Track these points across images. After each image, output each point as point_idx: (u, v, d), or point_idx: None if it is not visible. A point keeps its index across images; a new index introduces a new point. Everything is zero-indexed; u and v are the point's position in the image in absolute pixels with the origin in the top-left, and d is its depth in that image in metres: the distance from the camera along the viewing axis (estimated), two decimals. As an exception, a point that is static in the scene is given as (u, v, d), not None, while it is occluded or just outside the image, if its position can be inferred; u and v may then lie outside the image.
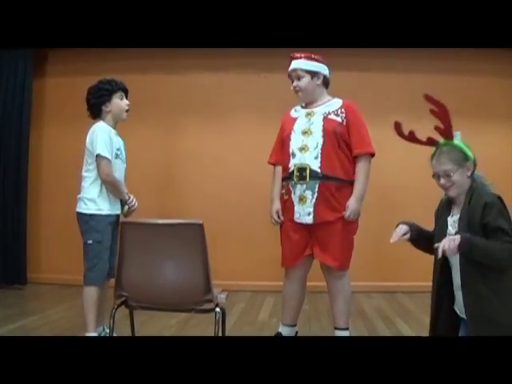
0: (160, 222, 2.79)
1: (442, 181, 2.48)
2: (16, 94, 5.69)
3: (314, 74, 3.50)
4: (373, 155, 3.51)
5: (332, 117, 3.44)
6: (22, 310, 4.66)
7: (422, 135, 5.87)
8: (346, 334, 3.48)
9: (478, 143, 5.71)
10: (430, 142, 2.63)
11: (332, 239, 3.38)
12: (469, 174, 2.49)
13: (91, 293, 3.34)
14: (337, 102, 3.52)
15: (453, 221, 2.47)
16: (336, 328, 3.51)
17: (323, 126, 3.41)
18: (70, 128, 5.70)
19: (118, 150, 3.49)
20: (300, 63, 3.49)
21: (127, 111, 3.58)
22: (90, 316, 3.33)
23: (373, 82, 5.73)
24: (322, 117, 3.44)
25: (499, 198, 2.40)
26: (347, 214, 3.37)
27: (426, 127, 6.07)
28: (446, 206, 2.57)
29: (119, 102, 3.52)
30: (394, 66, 5.69)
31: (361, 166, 3.44)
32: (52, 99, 6.03)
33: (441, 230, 2.49)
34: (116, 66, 5.34)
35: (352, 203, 3.38)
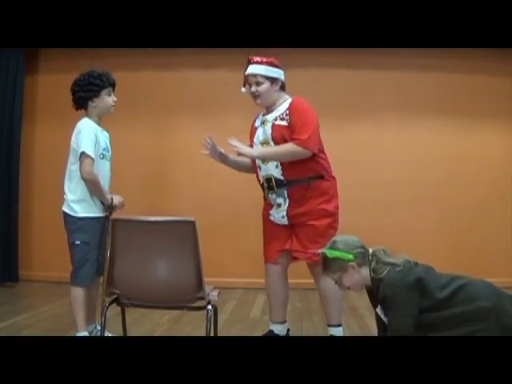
0: (152, 219, 2.79)
1: (341, 287, 2.61)
2: (8, 91, 5.67)
3: (273, 80, 3.43)
4: (307, 148, 3.32)
5: (278, 122, 3.40)
6: (14, 308, 4.65)
7: (413, 132, 5.93)
8: (339, 330, 3.47)
9: (471, 141, 5.81)
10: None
11: (310, 236, 3.36)
12: (359, 269, 2.52)
13: (79, 293, 3.30)
14: (285, 104, 3.45)
15: (380, 310, 2.51)
16: (329, 325, 3.50)
17: (271, 134, 3.40)
18: (61, 125, 5.65)
19: (104, 149, 3.43)
20: (260, 69, 3.41)
21: (113, 106, 3.51)
22: (79, 316, 3.30)
23: (363, 80, 5.73)
24: (271, 124, 3.43)
25: (400, 271, 2.42)
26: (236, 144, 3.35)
27: (417, 125, 6.14)
28: (370, 299, 2.63)
29: (107, 99, 3.44)
30: (385, 64, 5.70)
31: (285, 144, 3.34)
32: (44, 96, 6.01)
33: (379, 321, 2.54)
34: (108, 62, 5.29)
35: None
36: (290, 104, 3.43)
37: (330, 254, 2.53)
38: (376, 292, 2.48)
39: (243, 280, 5.66)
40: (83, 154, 3.28)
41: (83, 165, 3.29)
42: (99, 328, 3.32)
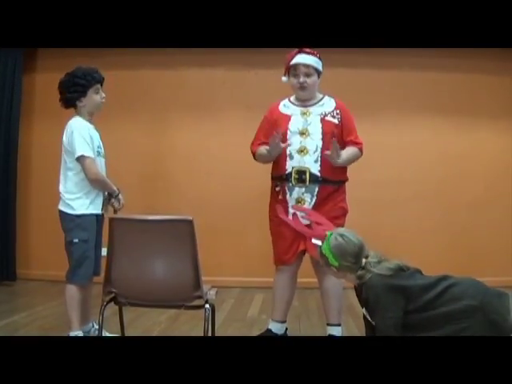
0: (150, 218, 2.79)
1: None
2: (5, 89, 5.64)
3: (319, 74, 3.48)
4: (362, 153, 3.52)
5: (329, 118, 3.42)
6: (12, 307, 4.64)
7: (412, 131, 5.92)
8: (338, 330, 3.48)
9: (470, 140, 5.81)
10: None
11: None
12: (342, 273, 2.59)
13: (75, 292, 3.30)
14: (330, 102, 3.50)
15: (365, 311, 2.56)
16: (328, 324, 3.51)
17: (322, 128, 3.39)
18: (59, 123, 5.63)
19: (98, 147, 3.43)
20: (313, 60, 3.43)
21: (102, 102, 3.48)
22: (74, 315, 3.28)
23: (363, 78, 5.73)
24: (319, 118, 3.42)
25: (385, 276, 2.46)
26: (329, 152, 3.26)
27: (416, 124, 6.14)
28: (358, 299, 2.65)
29: (94, 97, 3.41)
30: (385, 64, 5.69)
31: (350, 147, 3.42)
32: (42, 95, 5.99)
33: (366, 321, 2.59)
34: (106, 61, 5.29)
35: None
36: (338, 104, 3.49)
37: (323, 249, 2.58)
38: (361, 295, 2.54)
39: (241, 279, 5.65)
40: (82, 156, 3.27)
41: (87, 167, 3.29)
42: (97, 327, 3.31)
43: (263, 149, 3.50)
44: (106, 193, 3.46)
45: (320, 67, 3.47)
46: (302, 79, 3.42)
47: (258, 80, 5.74)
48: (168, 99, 5.90)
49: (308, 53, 3.44)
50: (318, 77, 3.48)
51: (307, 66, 3.42)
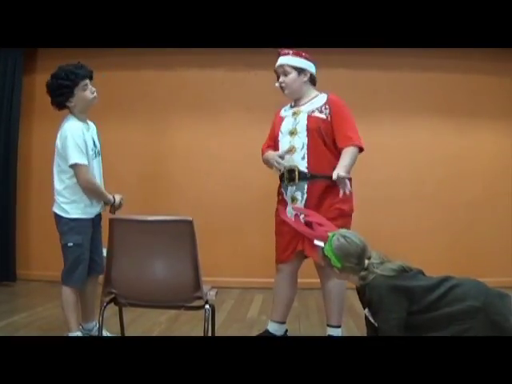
0: (150, 218, 2.79)
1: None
2: (5, 90, 5.65)
3: (300, 71, 3.45)
4: (360, 149, 3.40)
5: (316, 114, 3.39)
6: (12, 307, 4.64)
7: (411, 131, 5.90)
8: (338, 331, 3.47)
9: (468, 140, 5.81)
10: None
11: None
12: (344, 274, 2.59)
13: (70, 294, 3.28)
14: (322, 98, 3.47)
15: (368, 312, 2.56)
16: (328, 325, 3.49)
17: (307, 125, 3.38)
18: (59, 124, 5.66)
19: (92, 149, 3.34)
20: (287, 59, 3.45)
21: (95, 96, 3.35)
22: (70, 316, 3.28)
23: (362, 79, 5.73)
24: (306, 115, 3.41)
25: (388, 277, 2.45)
26: (334, 175, 3.19)
27: (414, 124, 6.13)
28: (360, 298, 2.65)
29: (83, 94, 3.29)
30: (383, 64, 5.69)
31: (345, 150, 3.33)
32: (42, 95, 5.95)
33: (368, 322, 2.59)
34: (106, 61, 5.32)
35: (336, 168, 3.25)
36: (328, 99, 3.45)
37: (326, 250, 2.57)
38: (364, 296, 2.54)
39: (241, 279, 5.65)
40: (76, 164, 3.21)
41: (79, 175, 3.23)
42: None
43: (269, 156, 3.49)
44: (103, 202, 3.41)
45: (299, 64, 3.45)
46: (280, 80, 3.49)
47: (258, 81, 5.73)
48: (168, 100, 5.90)
49: (283, 54, 3.49)
50: (300, 73, 3.45)
51: (281, 66, 3.47)
